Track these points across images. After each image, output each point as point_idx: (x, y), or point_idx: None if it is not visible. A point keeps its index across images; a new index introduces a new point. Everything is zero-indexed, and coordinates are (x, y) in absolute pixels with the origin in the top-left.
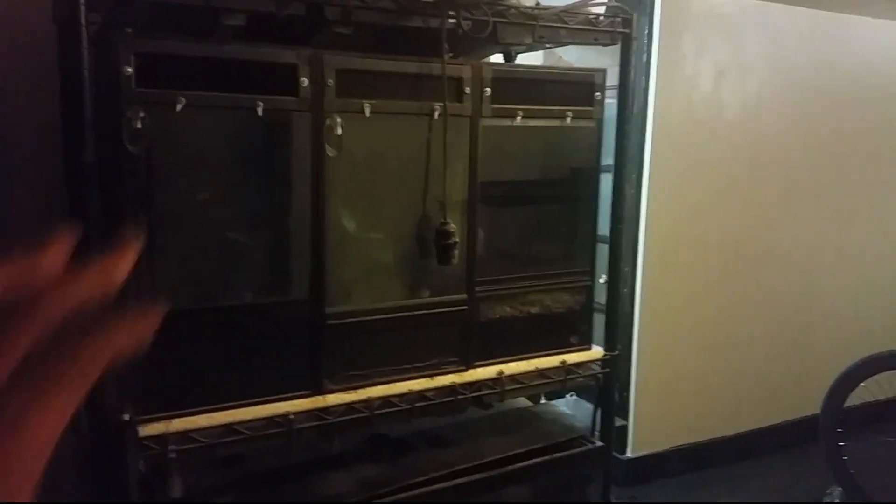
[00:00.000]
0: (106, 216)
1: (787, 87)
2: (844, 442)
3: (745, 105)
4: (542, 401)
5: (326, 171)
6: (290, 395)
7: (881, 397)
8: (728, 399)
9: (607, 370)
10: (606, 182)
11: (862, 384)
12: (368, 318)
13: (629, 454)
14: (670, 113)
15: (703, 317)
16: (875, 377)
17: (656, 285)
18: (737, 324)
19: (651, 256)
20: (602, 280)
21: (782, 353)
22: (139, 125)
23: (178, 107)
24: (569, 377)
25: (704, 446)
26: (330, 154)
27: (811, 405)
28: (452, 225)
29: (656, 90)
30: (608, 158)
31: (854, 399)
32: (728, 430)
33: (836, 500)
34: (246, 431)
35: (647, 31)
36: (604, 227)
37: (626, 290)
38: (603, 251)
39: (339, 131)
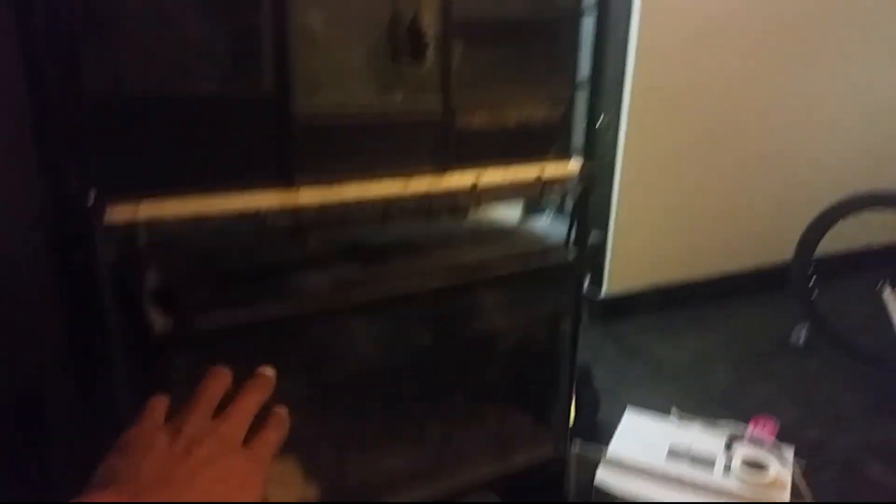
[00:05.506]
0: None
1: None
2: (816, 284)
3: None
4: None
5: None
6: (260, 189)
7: (852, 246)
8: (705, 241)
9: (584, 183)
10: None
11: (838, 222)
12: (339, 117)
13: (603, 295)
14: None
15: (684, 161)
16: (849, 217)
17: (640, 130)
18: (718, 170)
19: (637, 101)
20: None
21: (762, 198)
22: None
23: None
24: (545, 187)
25: (678, 287)
26: None
27: (787, 252)
28: (426, 22)
29: None
30: None
31: (829, 248)
32: (702, 273)
33: (803, 336)
34: (218, 220)
35: None
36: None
37: (609, 136)
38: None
39: None
